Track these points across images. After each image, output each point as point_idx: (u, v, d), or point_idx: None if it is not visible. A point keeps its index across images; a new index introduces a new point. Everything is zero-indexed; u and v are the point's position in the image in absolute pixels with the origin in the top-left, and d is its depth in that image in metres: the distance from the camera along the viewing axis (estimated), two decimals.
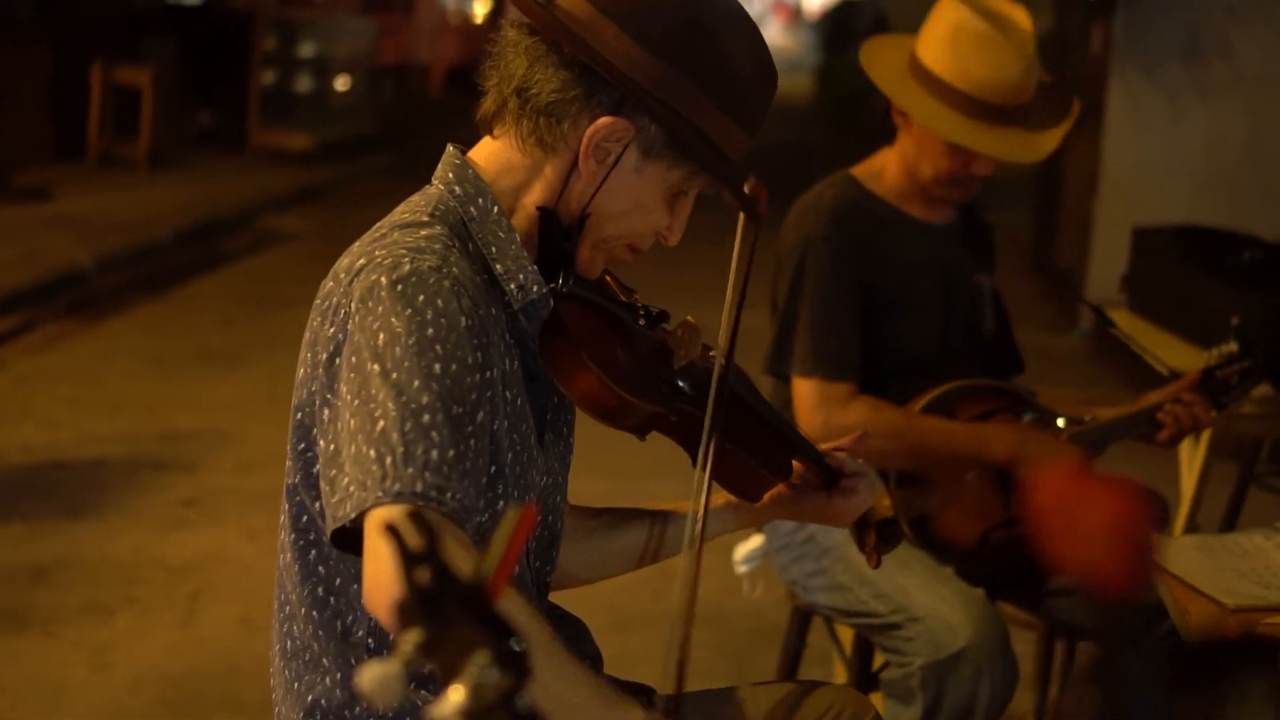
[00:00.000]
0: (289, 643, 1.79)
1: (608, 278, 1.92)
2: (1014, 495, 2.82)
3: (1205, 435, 3.51)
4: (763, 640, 4.21)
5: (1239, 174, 7.74)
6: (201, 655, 3.99)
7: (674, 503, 2.10)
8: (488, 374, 1.62)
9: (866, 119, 2.99)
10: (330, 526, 1.56)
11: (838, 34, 31.11)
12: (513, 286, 1.73)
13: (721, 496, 1.97)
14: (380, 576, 1.46)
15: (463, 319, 1.61)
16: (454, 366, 1.58)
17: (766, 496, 2.03)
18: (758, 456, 1.93)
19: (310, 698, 1.77)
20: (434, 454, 1.52)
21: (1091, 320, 8.19)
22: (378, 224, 1.77)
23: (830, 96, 21.71)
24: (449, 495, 1.51)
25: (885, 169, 2.96)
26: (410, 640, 0.99)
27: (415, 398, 1.54)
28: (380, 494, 1.50)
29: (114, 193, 10.83)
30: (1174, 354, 3.57)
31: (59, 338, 7.49)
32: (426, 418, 1.53)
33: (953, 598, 2.64)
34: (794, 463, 2.03)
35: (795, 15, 55.34)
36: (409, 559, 0.99)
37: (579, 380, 1.74)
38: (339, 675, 1.75)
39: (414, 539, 0.98)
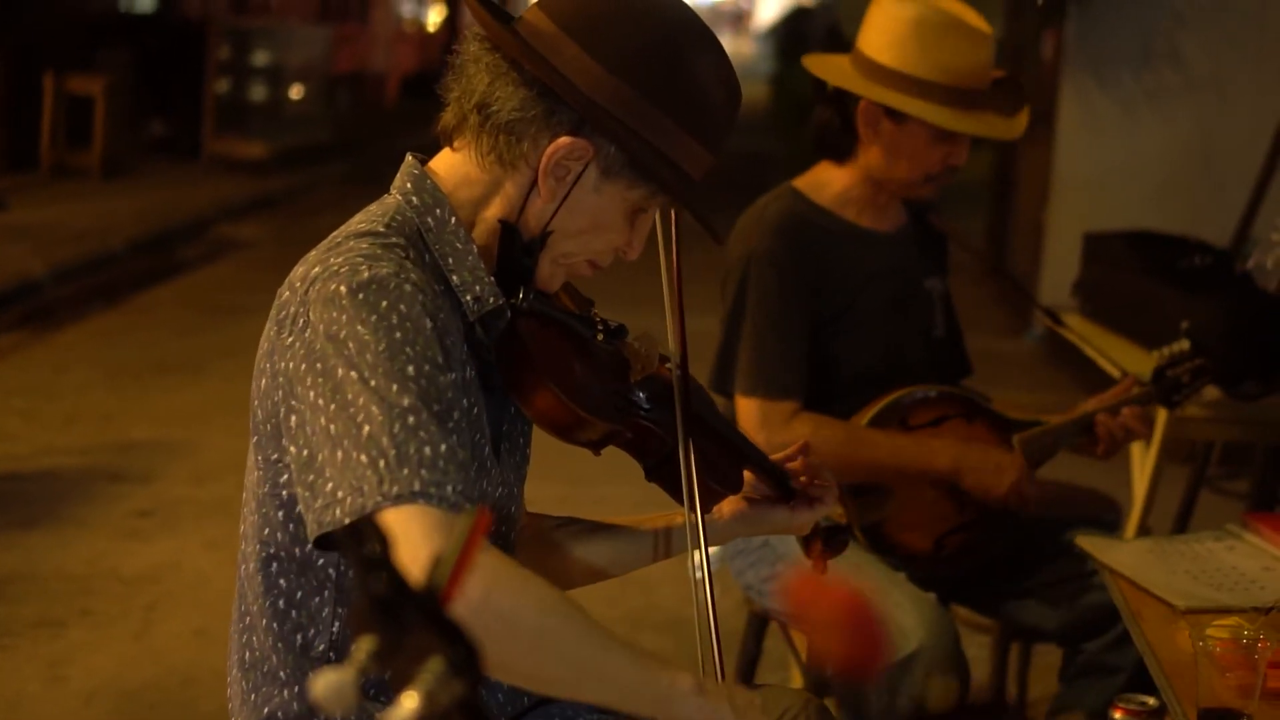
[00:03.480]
0: (247, 654, 1.79)
1: (562, 293, 1.92)
2: (967, 499, 2.85)
3: (1157, 438, 3.54)
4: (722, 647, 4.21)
5: (1191, 180, 7.80)
6: (157, 667, 3.97)
7: (628, 518, 2.11)
8: (452, 375, 1.64)
9: (813, 134, 2.96)
10: (315, 531, 1.57)
11: (791, 42, 31.20)
12: (469, 298, 1.74)
13: (679, 515, 1.98)
14: (416, 565, 1.46)
15: (427, 321, 1.62)
16: (426, 367, 1.59)
17: (725, 511, 2.04)
18: (709, 470, 1.93)
19: (267, 710, 1.77)
20: (427, 450, 1.54)
21: (1043, 325, 8.25)
22: (334, 233, 1.78)
23: (785, 105, 21.76)
24: (449, 489, 1.53)
25: (831, 182, 2.94)
26: (364, 647, 0.99)
27: (397, 400, 1.56)
28: (380, 498, 1.52)
29: (67, 203, 10.77)
30: (1126, 358, 3.60)
31: (13, 349, 7.45)
32: (412, 419, 1.55)
33: (905, 602, 2.66)
34: (745, 474, 2.04)
35: (739, 22, 55.62)
36: (365, 565, 0.99)
37: (535, 397, 1.75)
38: (296, 688, 1.75)
39: (370, 545, 0.99)
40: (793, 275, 2.83)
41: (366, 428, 1.55)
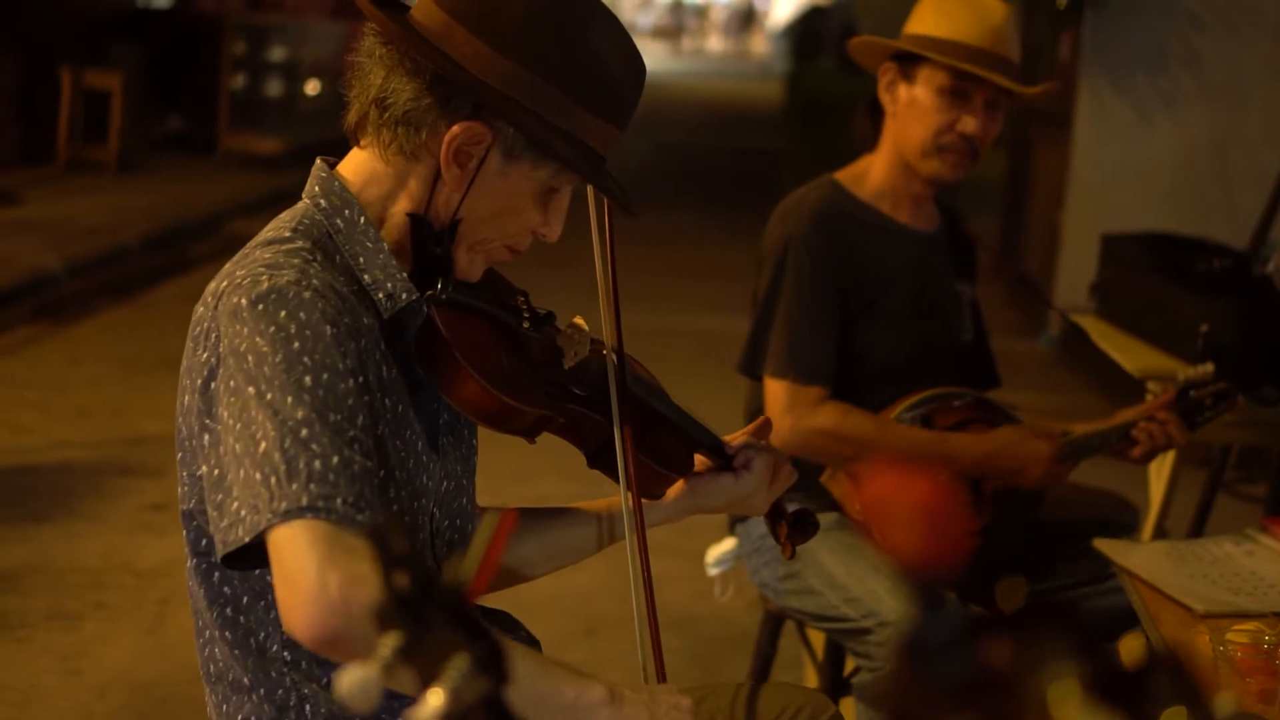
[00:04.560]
0: (212, 667, 1.80)
1: (491, 281, 1.91)
2: (982, 504, 2.85)
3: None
4: (732, 646, 4.22)
5: (1205, 183, 7.79)
6: (170, 661, 3.97)
7: (587, 503, 2.11)
8: (360, 379, 1.63)
9: (853, 129, 3.03)
10: (221, 551, 1.58)
11: (807, 41, 31.22)
12: (381, 296, 1.74)
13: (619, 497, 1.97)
14: (295, 597, 1.49)
15: (328, 328, 1.62)
16: (325, 375, 1.59)
17: (672, 492, 2.04)
18: (655, 454, 1.93)
19: (240, 718, 1.78)
20: (316, 464, 1.54)
21: (1058, 326, 8.24)
22: (246, 244, 1.78)
23: (799, 103, 21.77)
24: (338, 501, 1.53)
25: (869, 172, 2.98)
26: (389, 644, 0.99)
27: (290, 414, 1.56)
28: (270, 515, 1.53)
29: (82, 197, 10.78)
30: (1143, 360, 3.59)
31: (26, 342, 7.46)
32: (305, 431, 1.55)
33: None
34: (697, 456, 2.04)
35: (752, 21, 55.69)
36: (388, 564, 0.99)
37: (459, 387, 1.75)
38: (263, 691, 1.76)
39: (397, 544, 0.99)
40: (828, 263, 2.86)
41: (262, 444, 1.55)
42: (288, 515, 1.52)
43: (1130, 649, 2.16)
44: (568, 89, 1.74)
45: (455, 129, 1.73)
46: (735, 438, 2.09)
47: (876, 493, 0.77)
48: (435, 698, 0.95)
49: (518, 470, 5.08)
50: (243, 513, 1.55)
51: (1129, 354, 3.61)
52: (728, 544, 3.14)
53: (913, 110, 2.88)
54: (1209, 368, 2.98)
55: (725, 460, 2.06)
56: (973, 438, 2.84)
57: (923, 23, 2.91)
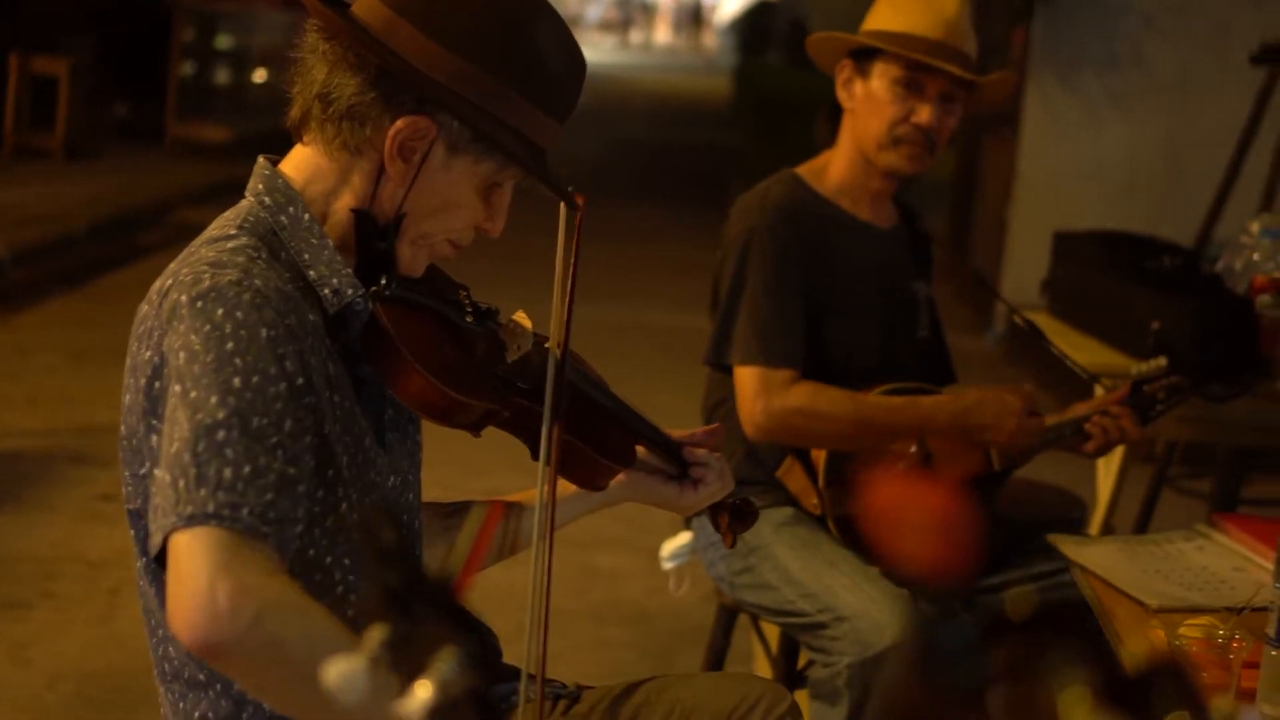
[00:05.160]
0: (167, 665, 1.79)
1: (435, 276, 1.92)
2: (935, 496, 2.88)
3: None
4: (685, 640, 4.24)
5: (1154, 182, 7.87)
6: (122, 651, 3.95)
7: (523, 493, 2.09)
8: (298, 382, 1.63)
9: (813, 133, 3.05)
10: (153, 553, 1.58)
11: (755, 36, 31.29)
12: (326, 292, 1.74)
13: (567, 485, 1.99)
14: (182, 600, 1.49)
15: (264, 330, 1.62)
16: (255, 379, 1.59)
17: (611, 484, 2.04)
18: (598, 446, 1.94)
19: (197, 714, 1.77)
20: (227, 472, 1.54)
21: (1005, 323, 8.31)
22: (192, 241, 1.79)
23: (748, 98, 21.82)
24: (244, 511, 1.53)
25: (829, 168, 3.01)
26: (376, 636, 1.00)
27: (211, 414, 1.56)
28: (175, 519, 1.52)
29: (29, 184, 10.67)
30: (1095, 357, 3.63)
31: None
32: (221, 434, 1.55)
33: (879, 597, 2.68)
34: (638, 448, 2.05)
35: (700, 16, 55.73)
36: (378, 556, 1.00)
37: (405, 382, 1.75)
38: (219, 687, 1.75)
39: (387, 535, 1.00)
40: (793, 253, 2.88)
41: (176, 445, 1.56)
42: (191, 520, 1.52)
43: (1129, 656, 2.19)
44: (510, 83, 1.76)
45: (399, 123, 1.74)
46: (683, 435, 2.10)
47: (887, 502, 0.79)
48: (423, 690, 0.97)
49: (469, 464, 5.09)
50: (157, 514, 1.55)
51: (1081, 351, 3.64)
52: (683, 538, 3.16)
53: (869, 104, 2.91)
54: (1161, 362, 3.02)
55: (680, 467, 2.08)
56: (945, 397, 2.88)
57: (878, 19, 2.94)
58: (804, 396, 2.79)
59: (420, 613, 0.99)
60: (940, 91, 2.88)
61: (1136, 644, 2.20)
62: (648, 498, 2.09)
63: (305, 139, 1.81)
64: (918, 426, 2.83)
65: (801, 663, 3.08)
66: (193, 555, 1.51)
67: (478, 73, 1.74)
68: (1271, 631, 2.14)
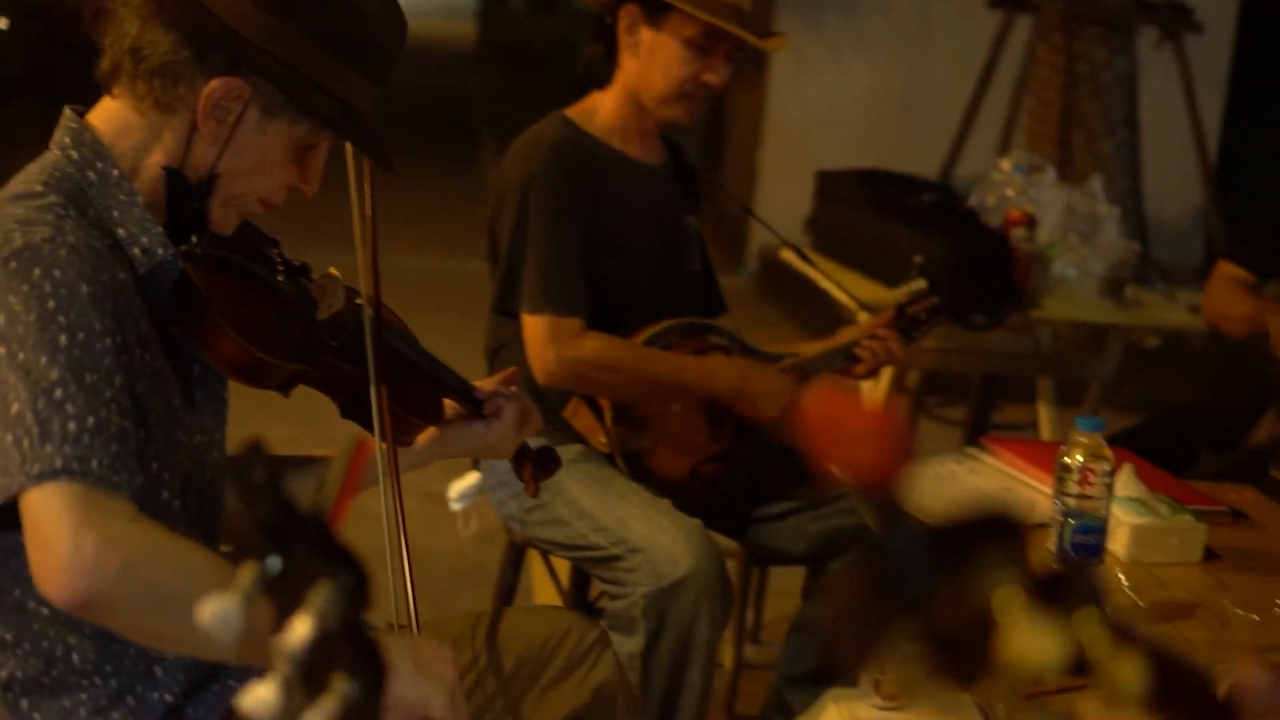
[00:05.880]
0: None
1: (246, 232, 1.89)
2: (721, 430, 2.95)
3: (887, 369, 3.70)
4: (466, 579, 4.25)
5: (895, 123, 8.11)
6: None
7: (323, 450, 2.09)
8: (118, 338, 1.62)
9: (582, 66, 3.04)
10: None
11: None
12: (137, 251, 1.72)
13: (372, 442, 1.96)
14: (48, 560, 1.49)
15: (84, 286, 1.60)
16: (81, 335, 1.57)
17: (421, 439, 2.05)
18: (408, 404, 1.94)
19: (5, 674, 1.75)
20: (71, 426, 1.53)
21: (758, 261, 8.47)
22: None
23: (493, 42, 21.68)
24: (93, 463, 1.53)
25: (600, 109, 3.01)
26: (248, 573, 0.99)
27: (44, 374, 1.54)
28: (24, 478, 1.51)
29: None
30: (858, 292, 3.74)
31: None
32: (59, 392, 1.54)
33: (672, 528, 2.73)
34: (446, 402, 2.06)
35: None
36: (249, 493, 0.99)
37: (214, 343, 1.74)
38: (27, 646, 1.73)
39: (256, 472, 0.99)
40: (570, 197, 2.88)
41: (15, 406, 1.54)
42: (41, 478, 1.50)
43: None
44: (327, 45, 1.73)
45: (213, 84, 1.71)
46: (485, 384, 2.11)
47: (831, 416, 0.82)
48: (302, 625, 0.96)
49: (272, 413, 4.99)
50: (2, 475, 1.53)
51: (843, 285, 3.75)
52: (471, 479, 3.17)
53: (656, 57, 2.90)
54: (921, 284, 3.15)
55: (476, 407, 2.08)
56: (728, 360, 2.94)
57: None
58: (595, 349, 2.82)
59: (295, 547, 0.99)
60: (727, 52, 2.91)
61: None
62: (459, 449, 2.10)
63: (115, 92, 1.76)
64: (701, 385, 2.89)
65: (593, 595, 3.13)
66: (50, 513, 1.49)
67: (294, 34, 1.71)
68: (1053, 547, 2.26)
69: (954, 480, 2.71)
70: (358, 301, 1.90)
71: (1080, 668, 0.66)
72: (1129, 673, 0.66)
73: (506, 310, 2.92)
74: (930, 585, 0.69)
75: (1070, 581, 0.68)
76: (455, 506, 3.15)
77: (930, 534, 0.74)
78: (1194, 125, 7.45)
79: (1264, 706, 0.69)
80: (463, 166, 11.03)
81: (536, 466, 2.17)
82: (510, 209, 2.90)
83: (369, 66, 1.78)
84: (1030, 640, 0.65)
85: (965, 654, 0.67)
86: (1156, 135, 7.54)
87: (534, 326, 2.85)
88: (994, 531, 0.71)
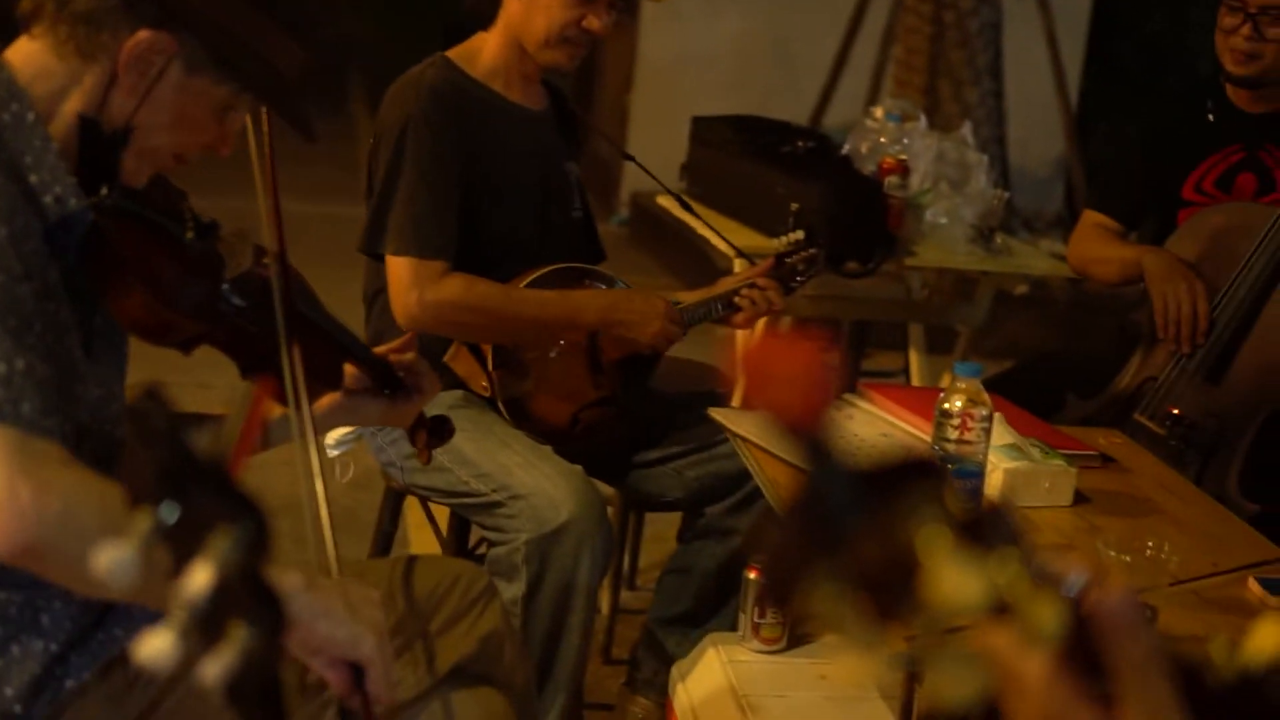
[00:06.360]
0: None
1: (154, 187, 1.85)
2: (600, 377, 2.95)
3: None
4: (336, 527, 4.21)
5: (766, 69, 8.14)
6: None
7: (219, 410, 2.06)
8: (31, 284, 1.59)
9: (465, 12, 3.01)
10: None
11: None
12: (49, 199, 1.67)
13: (276, 408, 1.94)
14: None
15: (3, 228, 1.57)
16: (2, 278, 1.54)
17: (321, 404, 2.02)
18: (308, 367, 1.90)
19: None
20: (1, 368, 1.50)
21: (629, 207, 8.47)
22: None
23: None
24: (24, 407, 1.50)
25: (482, 51, 2.97)
26: (144, 520, 0.98)
27: None
28: None
29: None
30: (735, 239, 3.74)
31: None
32: None
33: (554, 474, 2.73)
34: (347, 367, 2.04)
35: None
36: (147, 438, 0.97)
37: (122, 299, 1.70)
38: None
39: (154, 419, 0.97)
40: (448, 140, 2.85)
41: None
42: None
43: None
44: (258, 5, 1.70)
45: (139, 35, 1.67)
46: (381, 350, 2.08)
47: (760, 356, 0.82)
48: (202, 572, 0.95)
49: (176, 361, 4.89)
50: None
51: (720, 232, 3.75)
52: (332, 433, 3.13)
53: (538, 0, 2.87)
54: (800, 235, 3.17)
55: (382, 375, 2.06)
56: (594, 292, 2.95)
57: None
58: (457, 290, 2.80)
59: (194, 494, 0.97)
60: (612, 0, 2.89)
61: None
62: (354, 415, 2.08)
63: (34, 33, 1.71)
64: (568, 320, 2.88)
65: (472, 542, 3.12)
66: None
67: None
68: None
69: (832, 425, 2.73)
70: (265, 261, 1.86)
71: (999, 607, 0.67)
72: (1046, 613, 0.67)
73: (373, 252, 2.89)
74: (857, 524, 0.70)
75: (990, 523, 0.69)
76: (332, 453, 3.11)
77: (857, 474, 0.75)
78: (1056, 74, 7.57)
79: (1122, 623, 0.70)
80: (332, 110, 10.88)
81: (431, 434, 2.16)
82: (386, 150, 2.87)
83: (297, 29, 1.75)
84: (953, 579, 0.66)
85: (889, 592, 0.67)
86: (1020, 84, 7.65)
87: (397, 268, 2.82)
88: (917, 473, 0.72)
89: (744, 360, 0.83)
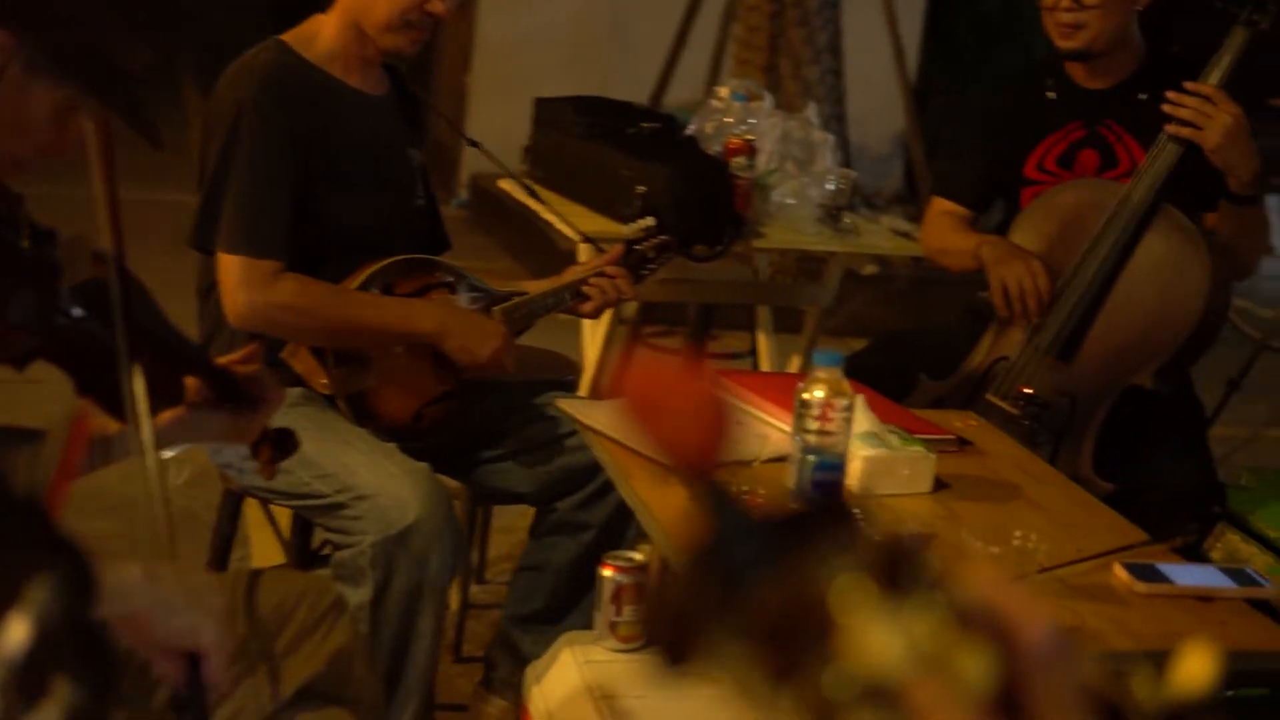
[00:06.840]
0: None
1: None
2: (445, 371, 2.86)
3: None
4: (177, 528, 4.06)
5: (605, 48, 8.08)
6: None
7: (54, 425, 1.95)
8: None
9: None
10: None
11: None
12: None
13: (114, 425, 1.82)
14: None
15: None
16: None
17: (162, 420, 1.88)
18: (148, 380, 1.81)
19: None
20: None
21: (469, 190, 8.35)
22: None
23: None
24: None
25: (319, 34, 2.86)
26: None
27: None
28: None
29: None
30: (580, 223, 3.67)
31: None
32: None
33: (399, 473, 2.64)
34: (188, 380, 1.93)
35: None
36: None
37: None
38: None
39: None
40: (281, 129, 2.73)
41: None
42: None
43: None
44: (109, 4, 1.60)
45: None
46: (223, 361, 1.97)
47: (649, 392, 0.74)
48: (18, 628, 0.85)
49: None
50: None
51: (565, 216, 3.67)
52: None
53: None
54: (649, 222, 3.11)
55: (231, 390, 1.95)
56: (431, 303, 2.84)
57: None
58: (289, 293, 2.69)
59: (5, 537, 0.87)
60: None
61: (664, 503, 2.26)
62: (197, 431, 1.96)
63: None
64: (403, 328, 2.79)
65: (316, 543, 3.01)
66: None
67: None
68: (792, 483, 2.24)
69: None
70: (104, 267, 1.74)
71: (922, 662, 0.60)
72: (973, 664, 0.60)
73: (204, 248, 2.76)
74: (763, 578, 0.63)
75: (902, 564, 0.62)
76: (166, 454, 2.98)
77: (761, 523, 0.67)
78: (895, 51, 7.60)
79: (1050, 664, 0.64)
80: (163, 93, 10.59)
81: (275, 448, 2.06)
82: (218, 137, 2.74)
83: (145, 25, 1.64)
84: (871, 636, 0.59)
85: (798, 650, 0.60)
86: (859, 61, 7.67)
87: (229, 266, 2.70)
88: (828, 520, 0.65)
89: (627, 390, 0.75)
